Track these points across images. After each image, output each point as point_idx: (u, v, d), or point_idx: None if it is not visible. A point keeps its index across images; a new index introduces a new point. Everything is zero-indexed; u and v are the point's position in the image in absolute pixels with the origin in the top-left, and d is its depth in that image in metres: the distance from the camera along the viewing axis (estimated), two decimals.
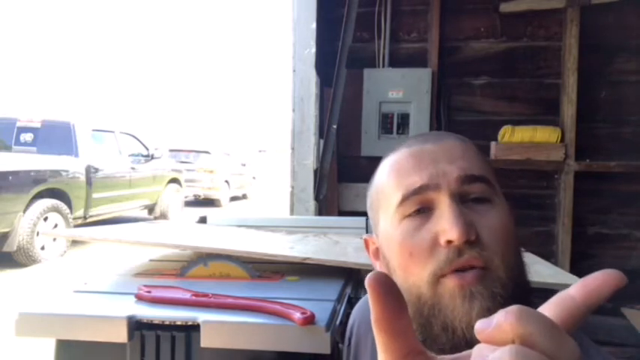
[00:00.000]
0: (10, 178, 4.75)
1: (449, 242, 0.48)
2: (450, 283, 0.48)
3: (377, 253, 0.60)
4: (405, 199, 0.52)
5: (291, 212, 2.49)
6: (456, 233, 0.47)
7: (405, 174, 0.53)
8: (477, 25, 2.56)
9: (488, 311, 0.46)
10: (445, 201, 0.50)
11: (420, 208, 0.52)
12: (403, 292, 0.50)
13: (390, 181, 0.55)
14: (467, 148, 0.54)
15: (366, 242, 0.63)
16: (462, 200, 0.51)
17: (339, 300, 1.09)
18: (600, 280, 0.27)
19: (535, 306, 0.28)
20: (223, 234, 1.69)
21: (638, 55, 2.45)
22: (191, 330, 0.93)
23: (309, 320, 0.88)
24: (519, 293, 0.49)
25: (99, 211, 6.26)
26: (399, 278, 0.53)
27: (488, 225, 0.50)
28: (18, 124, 6.12)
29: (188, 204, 9.68)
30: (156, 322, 0.94)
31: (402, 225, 0.52)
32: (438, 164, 0.52)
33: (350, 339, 0.72)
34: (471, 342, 0.45)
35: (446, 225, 0.49)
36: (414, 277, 0.51)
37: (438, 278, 0.49)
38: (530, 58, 2.53)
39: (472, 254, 0.48)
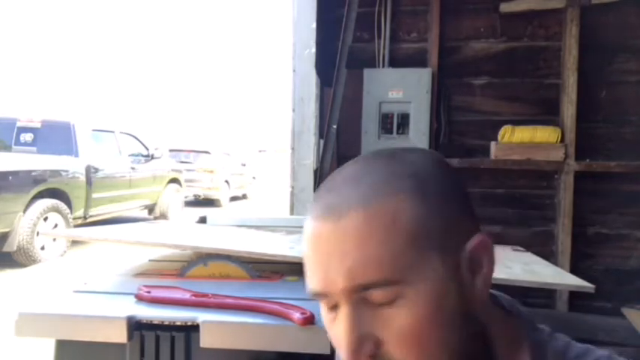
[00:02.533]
0: (10, 178, 4.75)
1: None
2: None
3: None
4: (311, 298, 0.47)
5: (291, 212, 2.49)
6: (347, 355, 0.42)
7: (308, 267, 0.47)
8: (477, 25, 2.56)
9: None
10: (341, 307, 0.43)
11: (332, 305, 0.45)
12: None
13: (305, 266, 0.49)
14: (369, 226, 0.42)
15: None
16: (364, 300, 0.42)
17: None
18: None
19: None
20: (223, 234, 1.69)
21: (638, 55, 2.45)
22: (191, 330, 0.93)
23: (309, 320, 0.88)
24: None
25: (99, 211, 6.26)
26: None
27: (394, 332, 0.42)
28: (18, 124, 6.12)
29: (188, 204, 9.67)
30: (155, 322, 0.94)
31: (323, 313, 0.48)
32: (329, 265, 0.43)
33: None
34: None
35: (339, 341, 0.43)
36: None
37: None
38: (530, 58, 2.53)
39: None
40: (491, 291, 0.51)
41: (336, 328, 0.44)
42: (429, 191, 0.44)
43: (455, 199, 0.46)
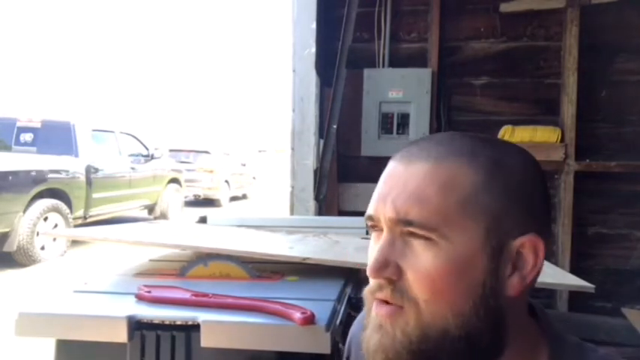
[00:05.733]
0: (10, 178, 4.75)
1: None
2: (374, 308, 0.50)
3: None
4: (366, 220, 0.53)
5: (291, 212, 2.49)
6: (369, 270, 0.49)
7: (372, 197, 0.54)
8: (477, 25, 2.56)
9: (385, 349, 0.48)
10: (383, 232, 0.50)
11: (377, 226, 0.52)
12: None
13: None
14: (428, 178, 0.48)
15: None
16: (403, 234, 0.49)
17: (339, 300, 1.09)
18: None
19: None
20: (223, 234, 1.69)
21: (638, 55, 2.45)
22: (191, 330, 0.93)
23: (309, 320, 0.88)
24: (432, 348, 0.47)
25: (99, 211, 6.26)
26: None
27: (415, 267, 0.47)
28: (18, 124, 6.12)
29: (188, 204, 9.67)
30: (156, 321, 0.94)
31: (371, 239, 0.54)
32: (386, 197, 0.49)
33: (348, 358, 0.71)
34: None
35: (370, 257, 0.50)
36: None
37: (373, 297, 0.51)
38: (530, 58, 2.53)
39: (384, 293, 0.49)
40: (532, 302, 0.54)
41: (371, 250, 0.51)
42: (499, 176, 0.48)
43: (525, 197, 0.49)
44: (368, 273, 0.49)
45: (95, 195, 6.06)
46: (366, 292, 0.52)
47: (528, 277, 0.48)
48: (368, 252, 0.53)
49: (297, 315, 0.89)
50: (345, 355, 0.72)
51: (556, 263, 2.38)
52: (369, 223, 0.53)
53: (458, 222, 0.46)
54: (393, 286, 0.48)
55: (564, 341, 0.52)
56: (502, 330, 0.48)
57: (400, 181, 0.49)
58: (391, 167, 0.52)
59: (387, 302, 0.49)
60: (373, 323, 0.50)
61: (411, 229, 0.47)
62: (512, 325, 0.49)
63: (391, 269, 0.48)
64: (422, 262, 0.47)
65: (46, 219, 5.11)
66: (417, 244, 0.47)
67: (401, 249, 0.48)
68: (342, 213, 2.53)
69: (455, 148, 0.49)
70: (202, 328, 0.91)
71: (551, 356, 0.51)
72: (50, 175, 5.30)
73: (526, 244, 0.48)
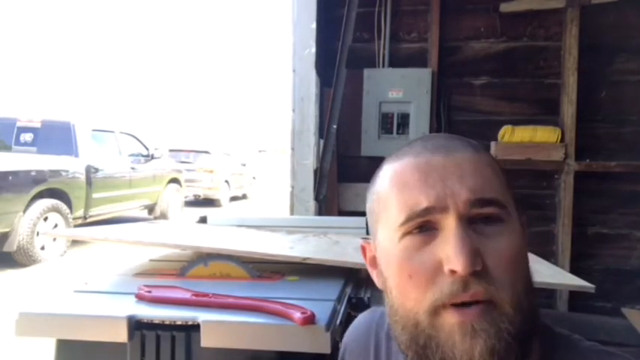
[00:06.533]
0: (10, 178, 4.75)
1: (453, 272, 0.45)
2: (451, 318, 0.45)
3: (374, 261, 0.56)
4: (408, 220, 0.48)
5: (291, 212, 2.49)
6: (461, 264, 0.44)
7: (409, 191, 0.48)
8: (477, 25, 2.56)
9: (493, 350, 0.44)
10: (452, 224, 0.46)
11: (423, 226, 0.48)
12: (399, 315, 0.49)
13: (392, 194, 0.50)
14: (479, 162, 0.49)
15: (363, 248, 0.59)
16: (470, 221, 0.47)
17: (339, 300, 1.09)
18: None
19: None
20: (223, 234, 1.69)
21: (638, 55, 2.45)
22: (191, 330, 0.93)
23: (310, 320, 0.89)
24: (527, 326, 0.47)
25: (99, 211, 6.26)
26: (395, 300, 0.50)
27: (496, 251, 0.46)
28: (18, 124, 6.12)
29: (188, 204, 9.67)
30: (156, 321, 0.94)
31: (402, 243, 0.48)
32: (446, 182, 0.47)
33: None
34: None
35: (451, 252, 0.45)
36: (411, 302, 0.47)
37: (438, 309, 0.46)
38: (530, 58, 2.53)
39: (478, 288, 0.45)
40: None
41: (436, 247, 0.47)
42: (500, 167, 0.53)
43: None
44: (462, 269, 0.43)
45: (95, 195, 6.06)
46: (426, 304, 0.46)
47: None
48: (407, 259, 0.47)
49: (298, 315, 0.89)
50: None
51: (556, 263, 2.38)
52: (419, 221, 0.47)
53: (510, 201, 0.50)
54: (484, 279, 0.45)
55: (553, 331, 0.54)
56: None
57: (452, 169, 0.48)
58: (425, 160, 0.49)
59: (473, 302, 0.45)
60: (460, 331, 0.45)
61: (489, 209, 0.47)
62: None
63: (479, 258, 0.45)
64: (502, 244, 0.47)
65: (46, 219, 5.11)
66: (490, 228, 0.47)
67: (475, 237, 0.46)
68: (342, 213, 2.53)
69: (470, 142, 0.53)
70: (202, 328, 0.91)
71: (542, 344, 0.52)
72: (50, 175, 5.30)
73: (526, 221, 0.54)
